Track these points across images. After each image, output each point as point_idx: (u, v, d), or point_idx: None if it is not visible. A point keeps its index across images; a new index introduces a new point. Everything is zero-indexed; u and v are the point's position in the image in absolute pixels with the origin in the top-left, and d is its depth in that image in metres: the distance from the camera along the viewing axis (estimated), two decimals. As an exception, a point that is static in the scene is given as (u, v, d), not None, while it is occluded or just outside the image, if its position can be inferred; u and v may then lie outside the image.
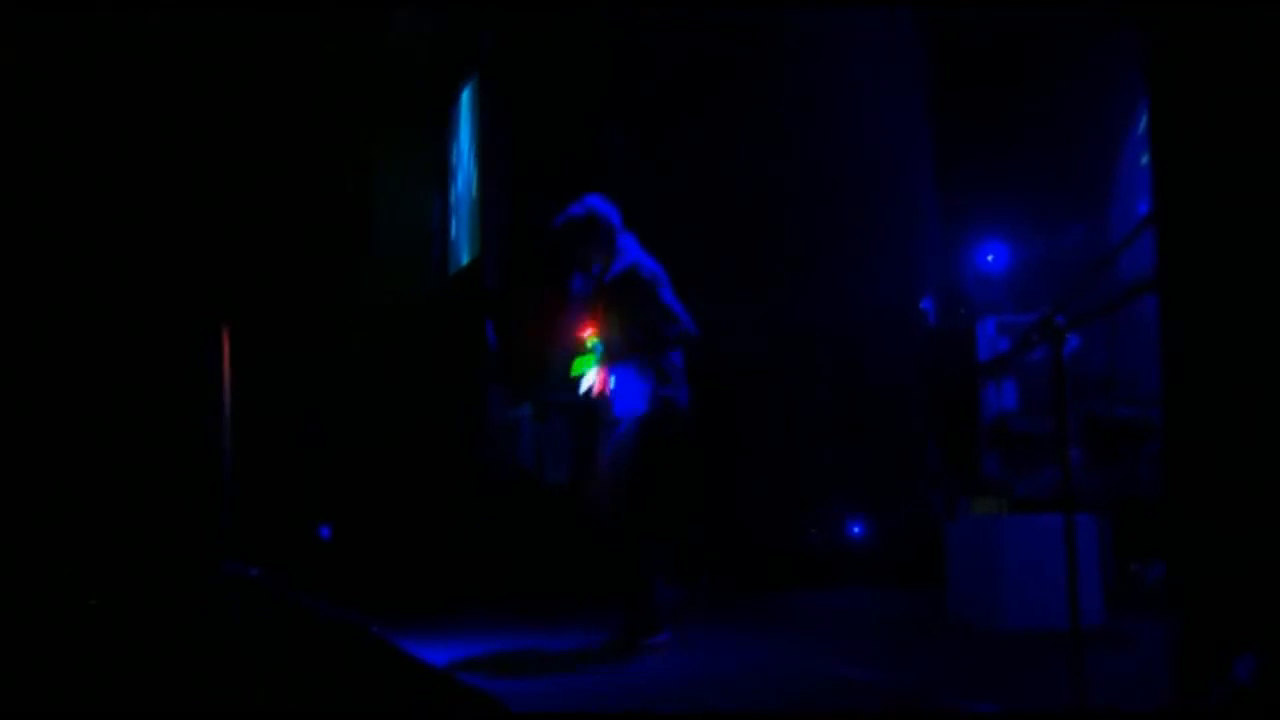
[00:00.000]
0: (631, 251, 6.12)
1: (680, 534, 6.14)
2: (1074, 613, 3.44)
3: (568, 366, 6.18)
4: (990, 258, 9.38)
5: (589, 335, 6.10)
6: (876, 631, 7.00)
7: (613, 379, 5.99)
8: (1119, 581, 7.21)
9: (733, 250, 10.40)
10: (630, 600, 6.07)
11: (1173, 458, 3.30)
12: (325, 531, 10.36)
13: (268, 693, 3.98)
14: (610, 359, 6.03)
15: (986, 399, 8.76)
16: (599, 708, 4.86)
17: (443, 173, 11.92)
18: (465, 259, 11.31)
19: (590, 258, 6.13)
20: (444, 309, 11.52)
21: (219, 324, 7.92)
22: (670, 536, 6.15)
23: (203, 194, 10.31)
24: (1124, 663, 5.45)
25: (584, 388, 6.07)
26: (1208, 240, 3.33)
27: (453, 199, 11.71)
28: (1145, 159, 8.98)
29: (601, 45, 10.40)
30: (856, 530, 9.93)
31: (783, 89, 10.29)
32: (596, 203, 6.18)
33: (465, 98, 11.37)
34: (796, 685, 5.33)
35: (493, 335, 11.08)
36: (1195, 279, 3.30)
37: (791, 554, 9.69)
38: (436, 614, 7.89)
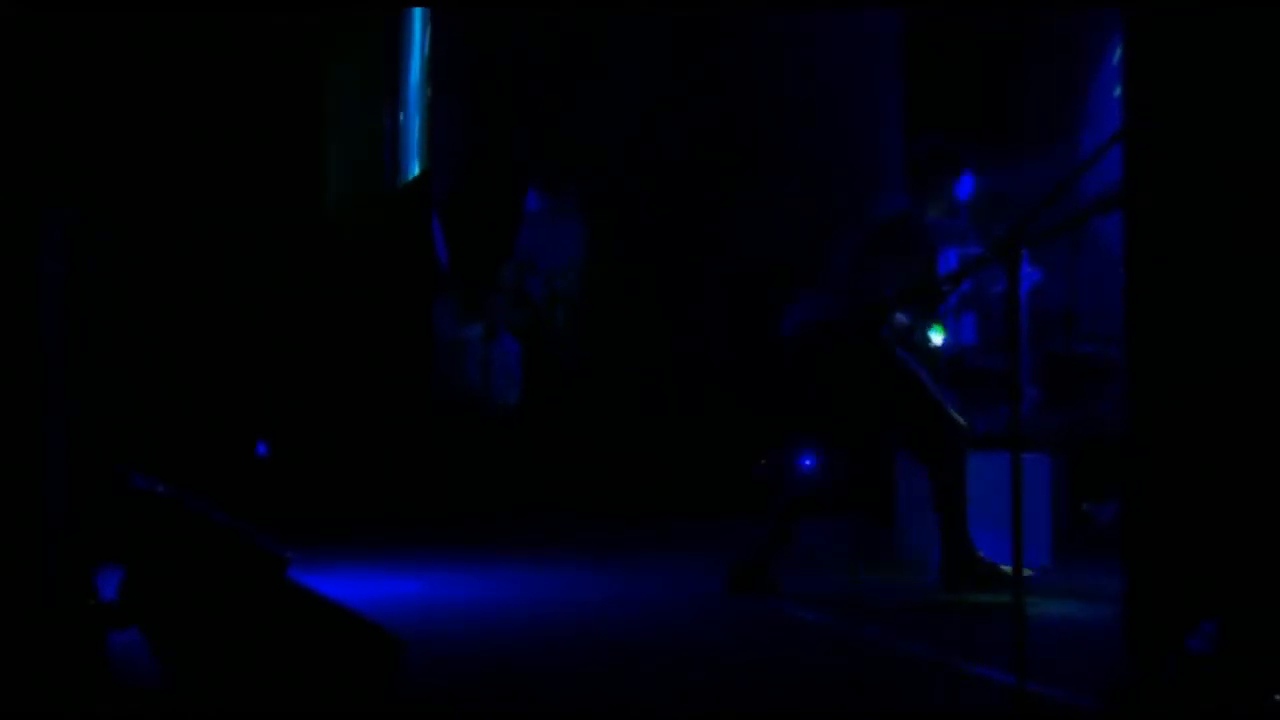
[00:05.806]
0: None
1: None
2: (1018, 559, 3.19)
3: None
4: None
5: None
6: (824, 567, 6.81)
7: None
8: (1072, 522, 7.06)
9: (693, 180, 10.13)
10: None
11: (1135, 389, 3.02)
12: (261, 448, 10.05)
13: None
14: None
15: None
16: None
17: (394, 78, 11.50)
18: (416, 169, 10.92)
19: None
20: (392, 221, 11.16)
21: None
22: None
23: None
24: (1067, 608, 5.39)
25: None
26: (1182, 152, 3.04)
27: (405, 105, 11.32)
28: (1118, 91, 8.70)
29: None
30: (807, 463, 9.69)
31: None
32: None
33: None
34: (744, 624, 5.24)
35: (443, 250, 10.71)
36: (1167, 192, 3.01)
37: (741, 484, 9.49)
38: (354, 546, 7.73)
